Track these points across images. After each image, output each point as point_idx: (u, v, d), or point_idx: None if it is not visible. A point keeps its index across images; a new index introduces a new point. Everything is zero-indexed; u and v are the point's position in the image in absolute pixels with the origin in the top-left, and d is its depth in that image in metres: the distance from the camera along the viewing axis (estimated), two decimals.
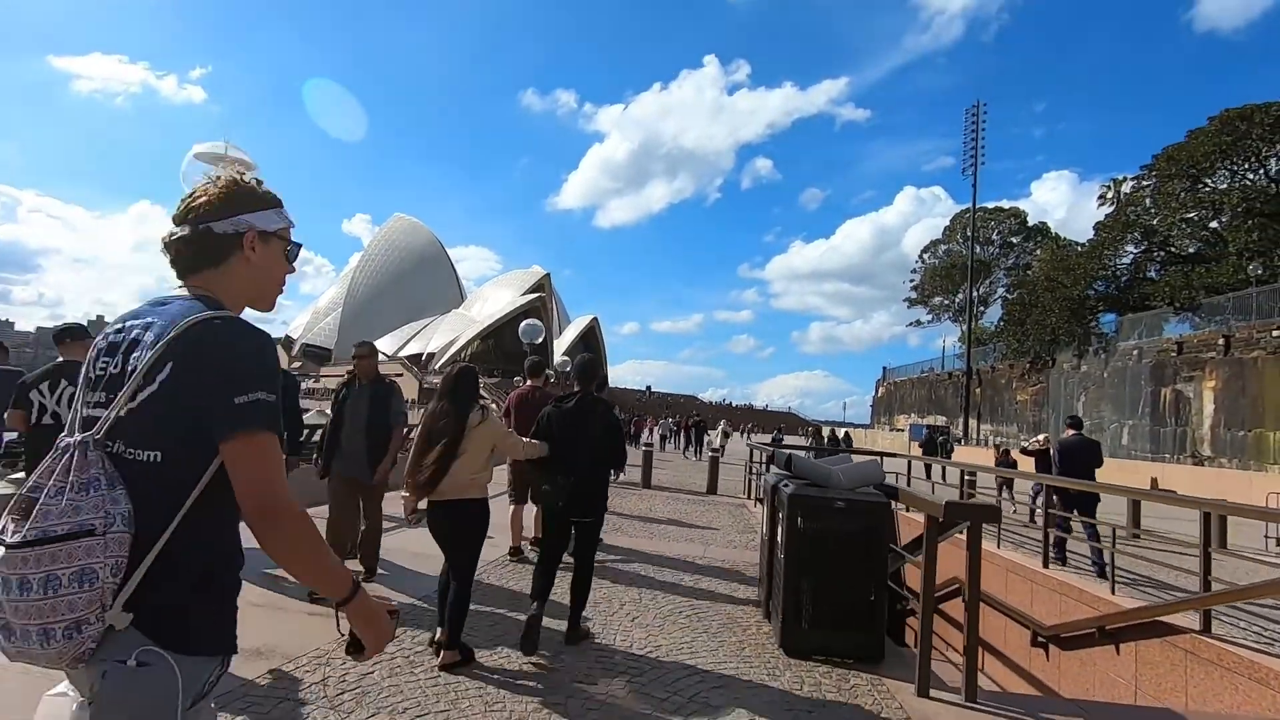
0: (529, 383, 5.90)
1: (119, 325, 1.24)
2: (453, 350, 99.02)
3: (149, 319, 1.20)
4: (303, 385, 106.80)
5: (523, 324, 13.38)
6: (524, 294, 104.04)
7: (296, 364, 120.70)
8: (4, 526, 1.06)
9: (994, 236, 59.29)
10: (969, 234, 55.97)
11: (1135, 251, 38.14)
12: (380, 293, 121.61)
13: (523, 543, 5.69)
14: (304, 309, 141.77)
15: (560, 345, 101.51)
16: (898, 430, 55.04)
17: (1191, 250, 35.56)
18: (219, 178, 1.30)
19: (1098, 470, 7.94)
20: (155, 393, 1.12)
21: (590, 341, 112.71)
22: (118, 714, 1.06)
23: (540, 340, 12.81)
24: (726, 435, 30.90)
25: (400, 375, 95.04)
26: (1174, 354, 29.60)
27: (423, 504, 3.43)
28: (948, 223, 63.53)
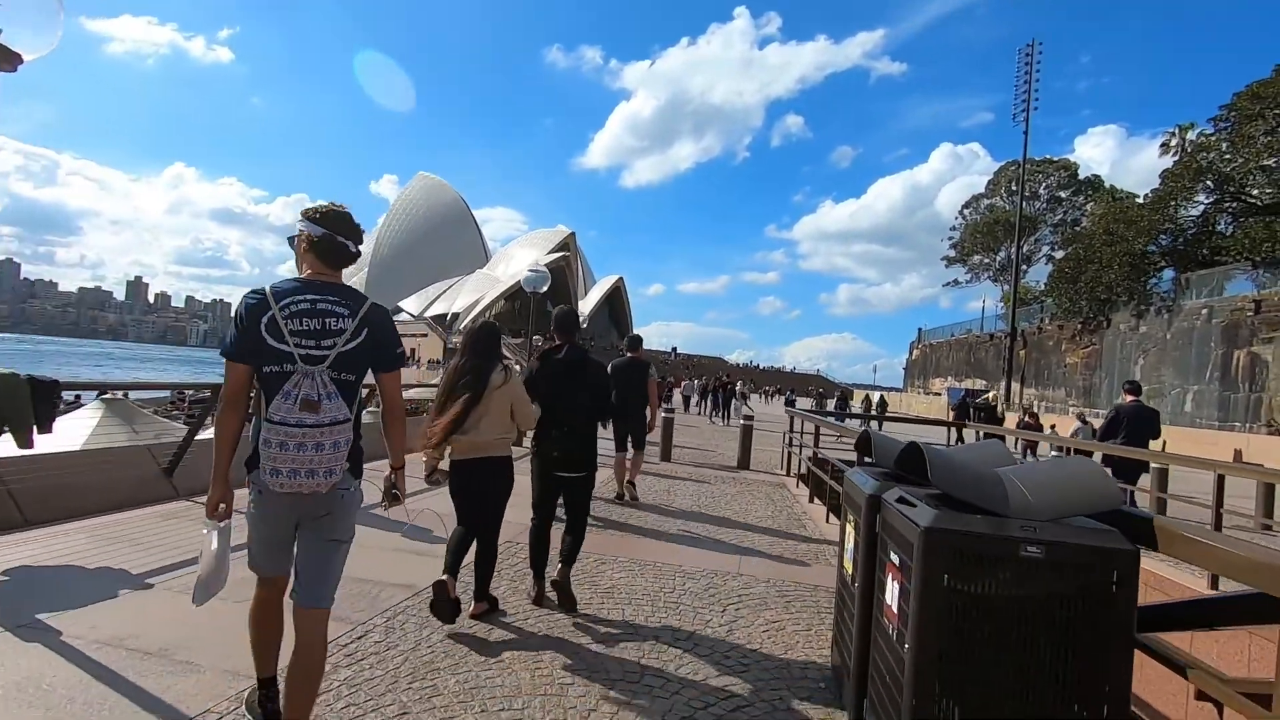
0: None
1: (298, 303, 2.05)
2: (477, 310, 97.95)
3: (334, 300, 2.09)
4: None
5: (526, 273, 11.62)
6: (549, 253, 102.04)
7: None
8: (298, 417, 1.96)
9: (1041, 190, 55.69)
10: (1015, 187, 52.52)
11: (1205, 202, 34.79)
12: (405, 253, 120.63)
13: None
14: None
15: (586, 305, 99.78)
16: (934, 394, 52.82)
17: (1271, 200, 32.17)
18: (345, 210, 2.22)
19: (1152, 441, 7.74)
20: (359, 344, 2.09)
21: (615, 302, 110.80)
22: (352, 513, 2.17)
23: (545, 289, 11.14)
24: (744, 398, 28.84)
25: (425, 335, 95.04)
26: (1250, 313, 26.91)
27: (444, 464, 3.43)
28: (991, 176, 59.98)
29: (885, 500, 2.26)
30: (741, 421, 10.24)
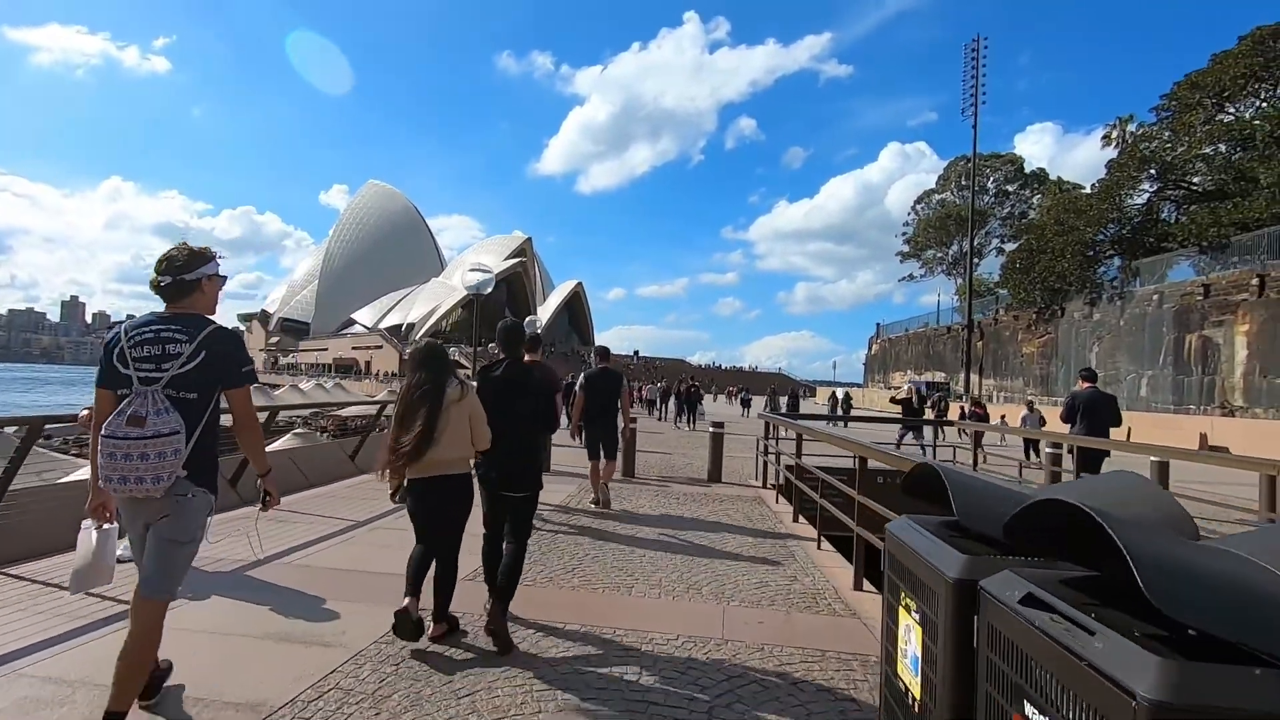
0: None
1: (143, 332, 2.35)
2: (433, 319, 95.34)
3: (174, 328, 2.36)
4: (280, 361, 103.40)
5: (468, 275, 10.53)
6: (505, 259, 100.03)
7: (274, 339, 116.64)
8: (124, 431, 2.19)
9: (989, 185, 56.59)
10: (964, 181, 53.29)
11: (1150, 190, 35.43)
12: (357, 263, 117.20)
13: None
14: (281, 282, 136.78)
15: (545, 311, 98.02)
16: (895, 388, 53.05)
17: (1212, 187, 32.87)
18: (185, 243, 2.53)
19: (1114, 430, 7.77)
20: (196, 365, 2.32)
21: (575, 307, 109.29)
22: (191, 517, 2.35)
23: (489, 292, 10.09)
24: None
25: (380, 347, 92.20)
26: (1200, 297, 27.27)
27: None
28: (942, 171, 60.83)
29: (993, 595, 1.31)
30: (711, 429, 9.31)
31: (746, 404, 35.57)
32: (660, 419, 24.78)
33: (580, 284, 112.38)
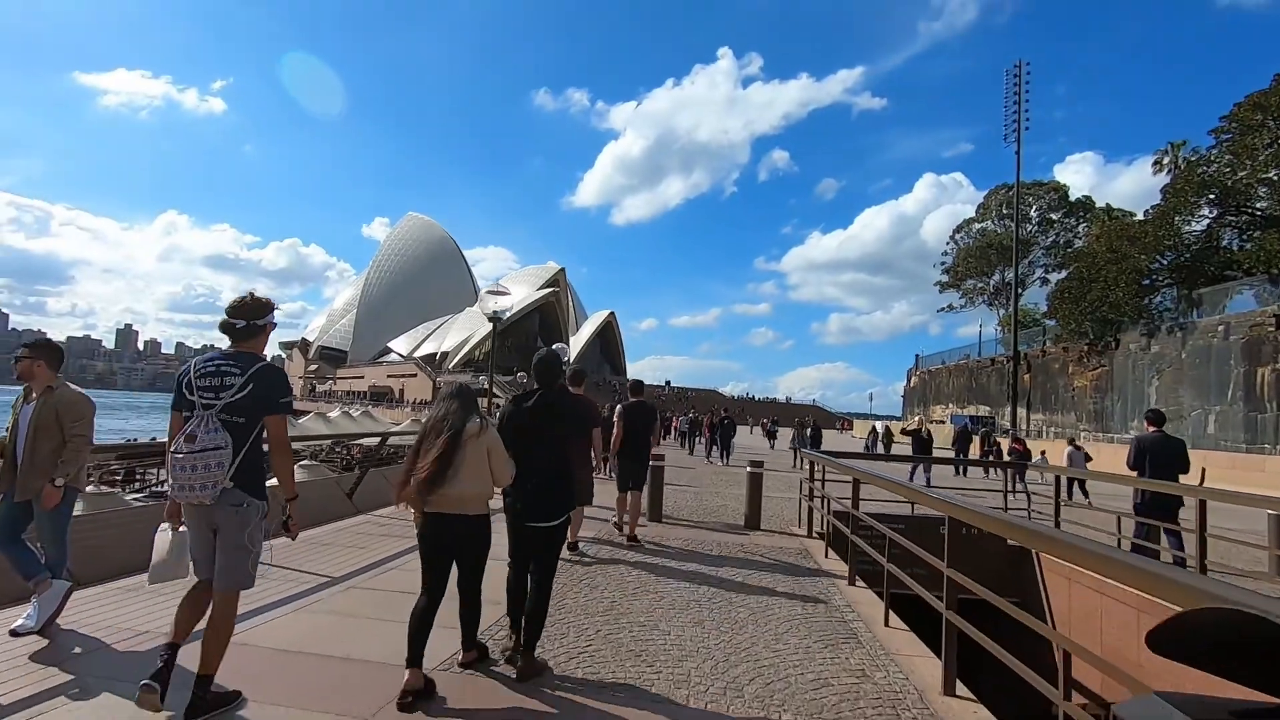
0: (572, 391, 5.09)
1: (206, 366, 2.79)
2: (467, 348, 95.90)
3: (231, 363, 2.80)
4: (317, 388, 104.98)
5: (486, 299, 9.84)
6: (539, 289, 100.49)
7: (313, 367, 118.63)
8: (181, 447, 2.63)
9: (1032, 213, 54.79)
10: (1006, 210, 51.74)
11: (1209, 216, 33.51)
12: (395, 293, 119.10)
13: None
14: (321, 312, 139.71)
15: (577, 341, 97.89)
16: (936, 422, 51.01)
17: (1279, 212, 30.95)
18: (237, 299, 2.98)
19: (1182, 476, 7.12)
20: (245, 395, 2.74)
21: (608, 337, 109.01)
22: (246, 523, 2.75)
23: (507, 317, 9.40)
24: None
25: (414, 375, 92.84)
26: (1271, 328, 25.37)
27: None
28: (981, 200, 59.26)
29: None
30: (749, 468, 8.35)
31: (772, 435, 33.97)
32: (690, 452, 23.61)
33: (613, 314, 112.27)
